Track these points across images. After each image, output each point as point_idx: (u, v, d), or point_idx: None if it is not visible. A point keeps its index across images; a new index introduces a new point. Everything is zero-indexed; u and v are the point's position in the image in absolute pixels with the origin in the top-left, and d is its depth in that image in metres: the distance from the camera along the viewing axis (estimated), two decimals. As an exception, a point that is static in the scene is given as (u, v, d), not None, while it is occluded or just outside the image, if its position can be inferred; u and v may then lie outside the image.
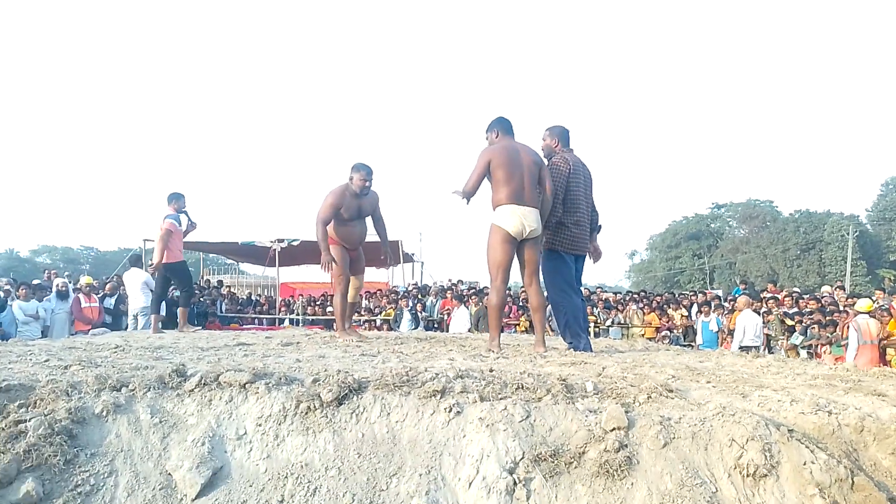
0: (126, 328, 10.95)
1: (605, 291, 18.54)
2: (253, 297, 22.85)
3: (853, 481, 2.10)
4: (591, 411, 2.45)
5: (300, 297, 19.95)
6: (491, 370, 2.99)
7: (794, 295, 13.90)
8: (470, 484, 2.20)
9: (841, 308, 11.92)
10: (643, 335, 14.68)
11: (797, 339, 12.02)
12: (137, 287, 10.36)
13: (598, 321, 14.91)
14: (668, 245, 58.51)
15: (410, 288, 16.81)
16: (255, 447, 2.43)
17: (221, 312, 17.38)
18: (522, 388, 2.63)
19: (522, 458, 2.25)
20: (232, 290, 21.77)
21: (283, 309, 18.34)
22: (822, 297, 13.62)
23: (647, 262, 62.39)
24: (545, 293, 5.08)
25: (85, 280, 11.84)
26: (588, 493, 2.16)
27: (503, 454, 2.26)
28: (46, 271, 16.92)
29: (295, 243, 17.00)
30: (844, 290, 14.74)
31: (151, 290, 11.42)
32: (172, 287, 8.82)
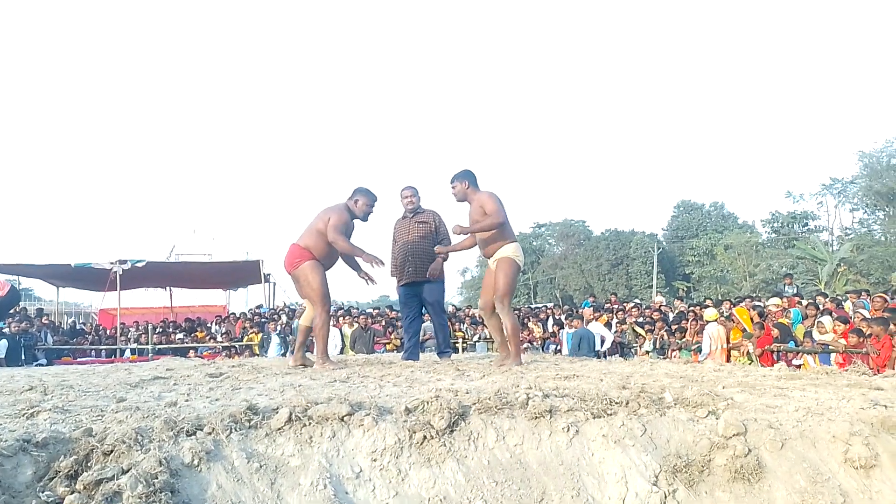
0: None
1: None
2: (77, 326, 20.47)
3: (936, 464, 2.42)
4: (691, 420, 2.57)
5: (135, 323, 18.24)
6: (557, 387, 3.01)
7: (639, 306, 15.32)
8: (623, 501, 2.21)
9: (685, 316, 13.40)
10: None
11: (649, 345, 13.27)
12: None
13: (466, 336, 15.32)
14: (494, 262, 61.30)
15: (279, 310, 16.04)
16: (377, 484, 2.24)
17: (45, 344, 15.36)
18: (612, 402, 2.69)
19: (660, 471, 2.31)
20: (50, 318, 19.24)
21: (121, 338, 16.56)
22: (661, 307, 15.22)
23: (478, 279, 65.04)
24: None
25: None
26: (732, 499, 2.27)
27: (643, 469, 2.30)
28: None
29: (140, 265, 15.49)
30: (683, 301, 16.54)
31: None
32: None
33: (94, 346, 15.77)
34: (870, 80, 77.85)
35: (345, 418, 2.41)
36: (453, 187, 5.05)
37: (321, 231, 4.89)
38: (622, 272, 52.23)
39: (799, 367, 8.28)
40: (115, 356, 15.26)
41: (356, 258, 5.06)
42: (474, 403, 2.58)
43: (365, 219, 5.14)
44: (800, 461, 2.38)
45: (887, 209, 35.71)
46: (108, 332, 17.91)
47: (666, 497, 2.23)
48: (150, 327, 16.11)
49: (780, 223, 41.85)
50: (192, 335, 16.80)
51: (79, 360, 14.15)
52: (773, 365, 8.82)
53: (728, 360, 10.72)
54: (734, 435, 2.43)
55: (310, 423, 2.39)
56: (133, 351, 15.57)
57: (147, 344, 15.24)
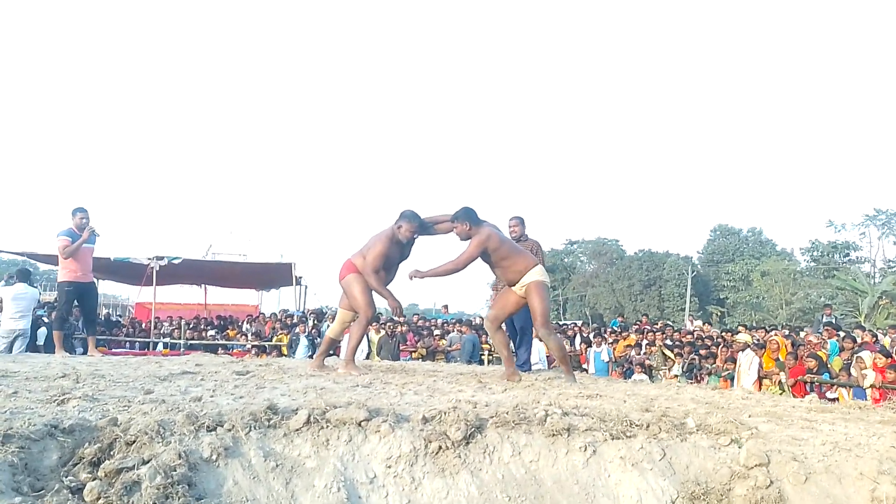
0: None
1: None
2: (113, 318, 20.94)
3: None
4: (713, 448, 2.52)
5: (169, 318, 18.58)
6: (578, 406, 2.98)
7: (670, 329, 15.09)
8: (637, 524, 2.18)
9: (714, 341, 13.16)
10: (533, 364, 15.22)
11: (678, 369, 13.06)
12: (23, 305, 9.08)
13: (492, 350, 15.28)
14: (525, 277, 61.04)
15: (308, 313, 16.21)
16: (390, 491, 2.25)
17: (83, 334, 15.72)
18: (632, 424, 2.65)
19: (677, 496, 2.27)
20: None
21: (154, 332, 16.90)
22: (694, 331, 14.99)
23: (506, 293, 64.73)
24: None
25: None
26: (749, 530, 2.21)
27: (660, 494, 2.27)
28: None
29: (176, 262, 15.80)
30: (712, 326, 16.25)
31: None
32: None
33: (128, 339, 16.10)
34: (921, 110, 75.81)
35: (362, 423, 2.43)
36: (455, 228, 5.04)
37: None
38: (654, 293, 51.48)
39: (833, 400, 8.07)
40: (149, 349, 15.59)
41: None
42: (491, 417, 2.57)
43: (410, 244, 5.24)
44: (823, 496, 2.32)
45: (933, 243, 34.66)
46: (142, 325, 18.31)
47: (681, 524, 2.20)
48: (182, 323, 16.39)
49: (820, 252, 40.85)
50: (224, 333, 17.05)
51: (113, 350, 14.47)
52: (804, 396, 8.62)
53: (759, 388, 10.50)
54: (756, 465, 2.38)
55: (327, 426, 2.41)
56: (165, 345, 15.86)
57: (179, 339, 15.51)
